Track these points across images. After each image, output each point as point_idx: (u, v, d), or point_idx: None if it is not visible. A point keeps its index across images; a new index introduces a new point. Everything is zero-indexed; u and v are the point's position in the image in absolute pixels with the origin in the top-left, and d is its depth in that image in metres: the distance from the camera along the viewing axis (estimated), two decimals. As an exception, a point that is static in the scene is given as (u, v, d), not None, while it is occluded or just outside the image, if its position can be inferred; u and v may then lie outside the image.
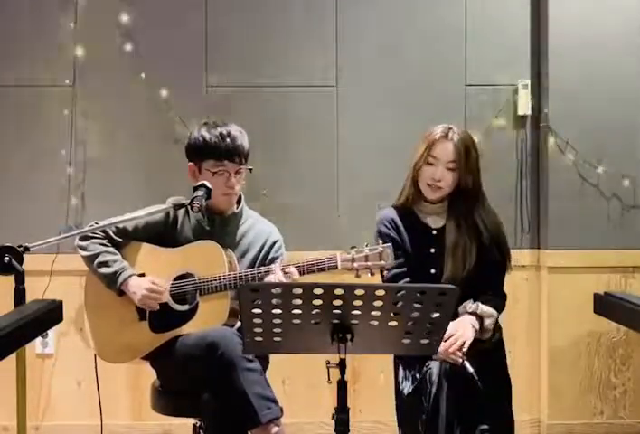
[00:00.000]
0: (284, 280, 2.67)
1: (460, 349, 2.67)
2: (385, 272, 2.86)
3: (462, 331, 2.72)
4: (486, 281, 2.90)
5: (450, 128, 2.88)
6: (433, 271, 2.89)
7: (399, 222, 2.94)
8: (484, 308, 2.79)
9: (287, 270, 2.70)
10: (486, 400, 2.60)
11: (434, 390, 2.64)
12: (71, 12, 3.85)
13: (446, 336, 2.64)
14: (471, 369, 2.59)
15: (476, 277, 2.86)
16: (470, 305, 2.79)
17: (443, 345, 2.63)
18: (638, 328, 2.32)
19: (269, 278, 2.70)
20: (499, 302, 2.90)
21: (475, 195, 2.91)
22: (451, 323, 2.67)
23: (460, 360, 2.63)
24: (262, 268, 2.78)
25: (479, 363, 2.64)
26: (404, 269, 2.90)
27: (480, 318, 2.77)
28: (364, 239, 2.77)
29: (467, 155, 2.86)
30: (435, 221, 2.95)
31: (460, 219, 2.90)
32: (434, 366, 2.69)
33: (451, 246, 2.88)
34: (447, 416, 2.60)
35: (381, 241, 2.72)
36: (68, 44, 3.86)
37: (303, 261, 2.73)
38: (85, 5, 3.85)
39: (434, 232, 2.93)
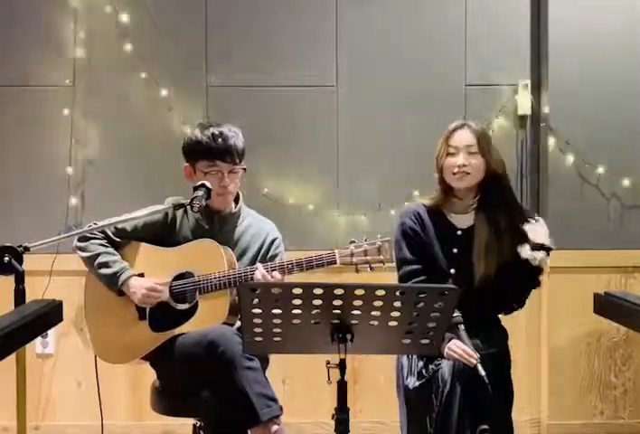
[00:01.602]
0: (268, 276, 2.68)
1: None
2: (402, 266, 2.86)
3: None
4: (513, 288, 2.88)
5: (465, 122, 2.90)
6: (453, 271, 2.87)
7: (425, 217, 2.92)
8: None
9: (272, 275, 2.72)
10: (490, 401, 2.59)
11: (446, 390, 2.62)
12: (71, 12, 3.85)
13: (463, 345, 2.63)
14: (483, 372, 2.55)
15: (505, 279, 2.85)
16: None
17: (469, 353, 2.62)
18: (638, 328, 2.32)
19: (256, 275, 2.71)
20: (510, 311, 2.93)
21: (504, 187, 2.90)
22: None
23: (474, 362, 2.61)
24: (249, 267, 2.79)
25: (485, 364, 2.63)
26: (420, 266, 2.87)
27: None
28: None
29: (486, 139, 2.88)
30: (461, 222, 2.92)
31: (492, 219, 2.87)
32: (445, 365, 2.67)
33: (483, 247, 2.84)
34: (458, 416, 2.60)
35: (379, 236, 2.72)
36: (68, 44, 3.86)
37: (302, 258, 2.73)
38: (85, 6, 3.85)
39: (459, 233, 2.91)
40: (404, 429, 2.85)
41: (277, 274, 2.72)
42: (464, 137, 2.85)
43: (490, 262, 2.83)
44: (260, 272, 2.71)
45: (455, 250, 2.89)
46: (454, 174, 2.84)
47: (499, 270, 2.83)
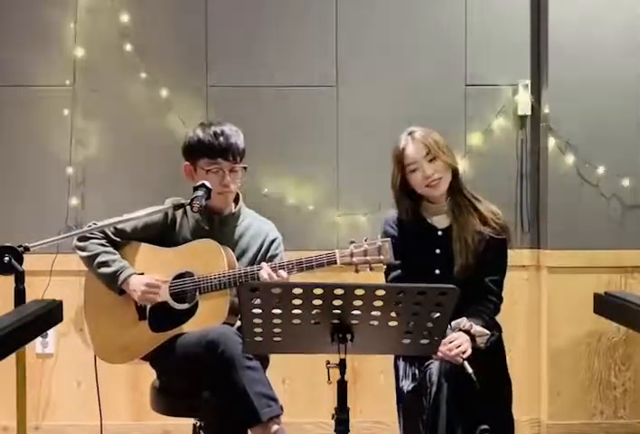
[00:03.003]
0: (274, 275, 2.68)
1: (464, 353, 2.66)
2: (388, 273, 2.89)
3: (465, 337, 2.70)
4: (487, 282, 2.91)
5: (410, 132, 2.91)
6: (438, 272, 2.89)
7: (405, 222, 2.94)
8: (478, 328, 2.75)
9: (278, 273, 2.71)
10: (486, 400, 2.60)
11: (434, 389, 2.63)
12: (71, 12, 3.85)
13: (448, 340, 2.64)
14: (470, 370, 2.58)
15: (482, 272, 2.87)
16: (464, 323, 2.75)
17: (446, 347, 2.63)
18: (638, 328, 2.32)
19: (262, 274, 2.71)
20: (493, 310, 2.91)
21: (459, 179, 2.93)
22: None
23: (460, 360, 2.63)
24: (255, 266, 2.78)
25: (478, 362, 2.64)
26: (399, 272, 2.90)
27: (472, 336, 2.75)
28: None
29: (434, 140, 2.87)
30: (440, 222, 2.94)
31: (461, 215, 2.90)
32: (433, 366, 2.68)
33: (457, 236, 2.87)
34: (447, 416, 2.60)
35: (379, 236, 2.72)
36: (68, 44, 3.86)
37: (302, 258, 2.73)
38: (85, 5, 3.85)
39: (439, 233, 2.92)
40: (400, 431, 2.85)
41: (282, 273, 2.71)
42: (416, 150, 2.87)
43: (469, 258, 2.84)
44: (266, 271, 2.70)
45: (437, 251, 2.91)
46: (427, 186, 2.86)
47: (478, 265, 2.85)
